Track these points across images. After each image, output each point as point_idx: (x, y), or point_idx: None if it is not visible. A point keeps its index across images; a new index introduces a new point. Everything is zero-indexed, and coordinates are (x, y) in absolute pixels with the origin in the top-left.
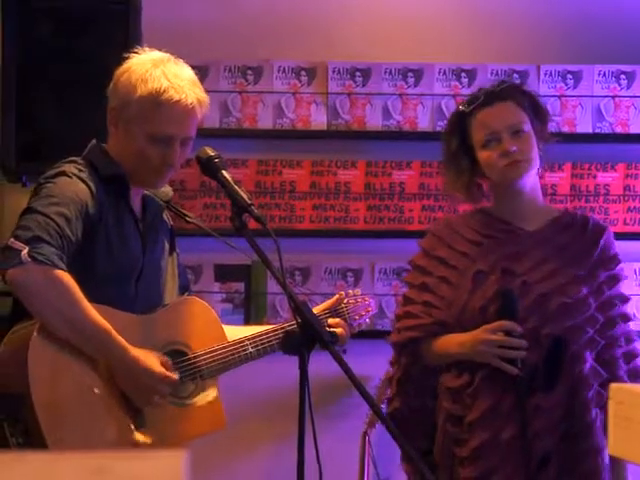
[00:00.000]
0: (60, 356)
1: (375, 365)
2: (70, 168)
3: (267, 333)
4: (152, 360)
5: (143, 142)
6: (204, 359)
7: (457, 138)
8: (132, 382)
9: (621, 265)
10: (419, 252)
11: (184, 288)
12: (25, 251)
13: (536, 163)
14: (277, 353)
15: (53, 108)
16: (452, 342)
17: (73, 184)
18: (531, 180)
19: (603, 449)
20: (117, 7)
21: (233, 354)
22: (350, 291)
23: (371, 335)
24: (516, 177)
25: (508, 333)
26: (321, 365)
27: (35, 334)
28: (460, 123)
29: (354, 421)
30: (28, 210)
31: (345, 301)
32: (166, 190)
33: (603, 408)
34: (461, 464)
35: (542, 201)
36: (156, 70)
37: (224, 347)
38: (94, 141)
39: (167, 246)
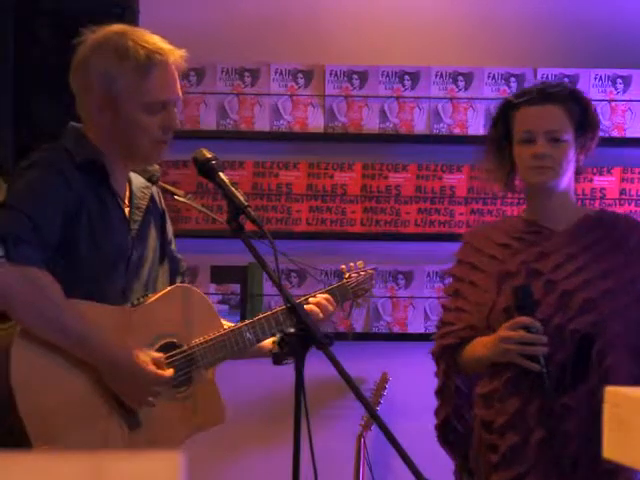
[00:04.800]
0: (44, 359)
1: (370, 367)
2: (46, 157)
3: (264, 318)
4: (142, 359)
5: (139, 114)
6: (200, 350)
7: (501, 127)
8: (122, 383)
9: None
10: (454, 262)
11: (175, 272)
12: (1, 251)
13: (567, 172)
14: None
15: (50, 108)
16: (479, 345)
17: (50, 176)
18: (562, 184)
19: None
20: (114, 9)
21: (230, 341)
22: (352, 264)
23: (367, 337)
24: (539, 182)
25: (528, 330)
26: (317, 367)
27: (17, 338)
28: (506, 113)
29: (349, 423)
30: (3, 206)
31: (347, 275)
32: (155, 167)
33: None
34: (494, 470)
35: (575, 203)
36: (126, 40)
37: (221, 335)
38: (71, 124)
39: (157, 230)
